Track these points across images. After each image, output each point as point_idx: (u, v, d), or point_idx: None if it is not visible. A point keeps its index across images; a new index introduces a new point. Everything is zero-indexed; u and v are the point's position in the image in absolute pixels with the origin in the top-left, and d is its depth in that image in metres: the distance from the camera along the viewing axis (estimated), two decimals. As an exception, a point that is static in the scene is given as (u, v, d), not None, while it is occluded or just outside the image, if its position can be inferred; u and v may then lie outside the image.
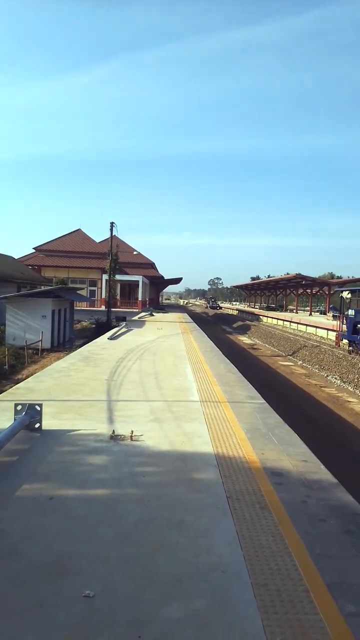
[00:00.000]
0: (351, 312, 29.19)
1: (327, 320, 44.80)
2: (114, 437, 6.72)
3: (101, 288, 52.38)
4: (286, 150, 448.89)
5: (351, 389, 22.20)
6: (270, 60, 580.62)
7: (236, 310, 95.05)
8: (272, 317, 62.05)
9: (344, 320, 30.71)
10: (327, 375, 25.92)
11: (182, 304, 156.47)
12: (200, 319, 61.18)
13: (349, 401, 19.93)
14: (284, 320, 56.18)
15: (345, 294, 32.85)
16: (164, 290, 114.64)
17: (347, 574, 3.66)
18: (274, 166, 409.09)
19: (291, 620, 3.12)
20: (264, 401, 9.73)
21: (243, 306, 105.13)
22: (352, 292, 33.07)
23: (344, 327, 30.59)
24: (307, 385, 23.70)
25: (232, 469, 5.73)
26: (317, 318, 51.52)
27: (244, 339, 47.12)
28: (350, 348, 29.49)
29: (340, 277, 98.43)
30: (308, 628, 3.05)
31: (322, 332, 41.28)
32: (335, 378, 24.85)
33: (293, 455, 6.35)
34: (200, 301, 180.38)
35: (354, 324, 28.43)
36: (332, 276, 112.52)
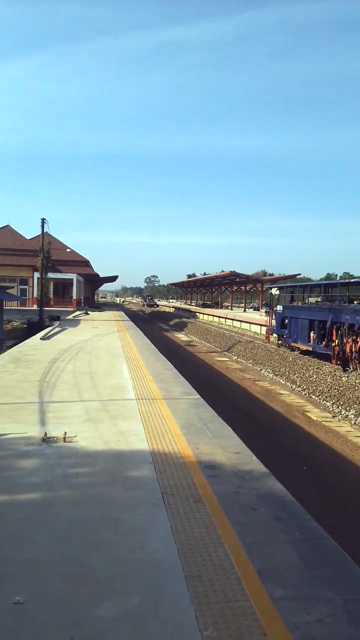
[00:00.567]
0: (279, 307, 30.83)
1: (261, 316, 46.20)
2: (46, 440, 6.55)
3: (33, 286, 50.77)
4: (220, 150, 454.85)
5: (283, 382, 23.05)
6: (205, 59, 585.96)
7: (173, 307, 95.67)
8: (208, 314, 63.06)
9: (274, 316, 32.26)
10: (261, 369, 26.75)
11: (118, 302, 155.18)
12: (137, 317, 60.99)
13: (280, 393, 20.68)
14: (219, 316, 57.27)
15: (274, 291, 34.72)
16: (99, 289, 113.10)
17: (277, 560, 3.81)
18: (209, 165, 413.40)
19: (223, 608, 3.20)
20: (199, 396, 9.88)
21: (179, 304, 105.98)
22: (280, 289, 35.03)
23: (273, 322, 32.24)
24: (241, 379, 24.32)
25: (167, 464, 5.78)
26: (251, 314, 53.03)
27: (181, 336, 47.55)
28: (279, 342, 30.95)
29: (273, 275, 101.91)
30: (239, 615, 3.15)
31: (255, 328, 42.52)
32: (268, 372, 25.70)
33: (226, 448, 6.51)
34: (137, 299, 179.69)
35: (282, 319, 29.97)
36: (264, 273, 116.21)
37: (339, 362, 21.80)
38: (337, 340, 21.85)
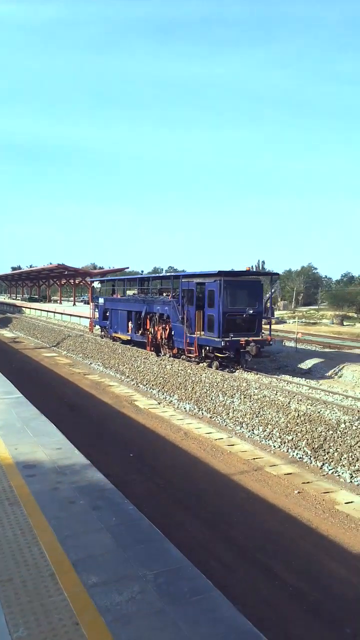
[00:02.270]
0: (101, 300, 32.37)
1: (91, 309, 46.18)
2: None
3: None
4: (40, 139, 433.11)
5: (112, 374, 23.42)
6: (21, 41, 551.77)
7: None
8: (36, 309, 60.64)
9: (97, 308, 33.51)
10: (91, 363, 26.74)
11: None
12: None
13: (110, 385, 20.97)
14: (47, 311, 55.51)
15: (96, 284, 36.42)
16: None
17: (93, 548, 3.89)
18: (29, 153, 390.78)
19: (35, 607, 3.16)
20: (20, 395, 9.49)
21: (3, 298, 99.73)
22: (101, 282, 36.66)
23: (97, 314, 33.41)
24: (71, 374, 23.98)
25: (-19, 470, 5.43)
26: (81, 308, 52.53)
27: (5, 333, 44.79)
28: (102, 333, 32.45)
29: (102, 268, 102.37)
30: (52, 610, 3.14)
31: (85, 322, 42.27)
32: (98, 365, 25.83)
33: (48, 445, 6.39)
34: None
35: (104, 311, 31.62)
36: (94, 267, 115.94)
37: (152, 348, 24.08)
38: (150, 329, 24.18)
